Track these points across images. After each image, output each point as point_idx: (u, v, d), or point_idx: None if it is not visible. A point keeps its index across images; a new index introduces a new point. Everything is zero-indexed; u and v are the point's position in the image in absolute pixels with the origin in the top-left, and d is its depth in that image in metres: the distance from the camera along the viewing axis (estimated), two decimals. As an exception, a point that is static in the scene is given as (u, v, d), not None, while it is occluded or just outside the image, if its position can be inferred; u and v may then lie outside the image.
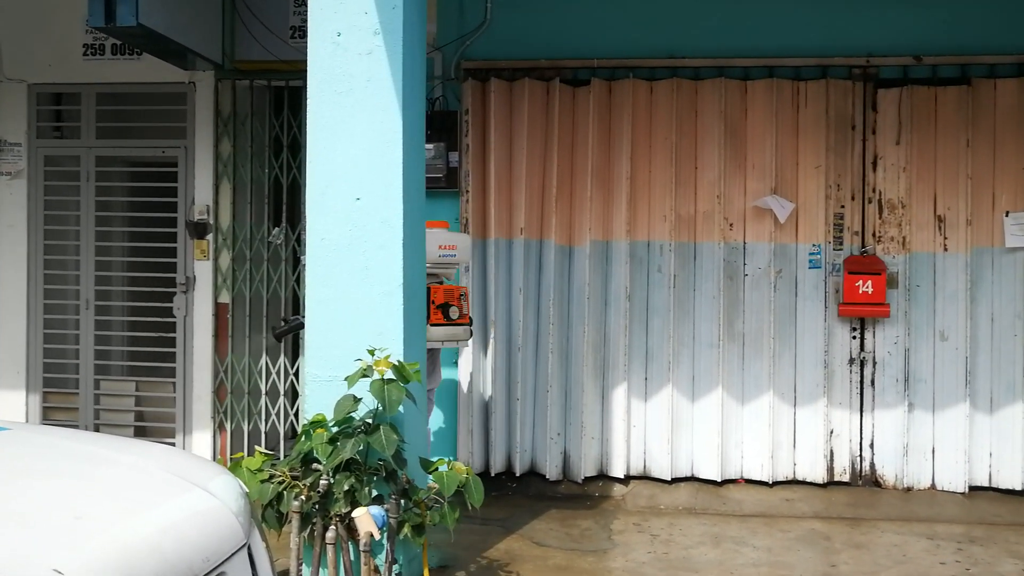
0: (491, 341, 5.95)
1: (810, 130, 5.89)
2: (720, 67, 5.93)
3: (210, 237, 6.13)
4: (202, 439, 6.16)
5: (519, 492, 5.91)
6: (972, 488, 5.81)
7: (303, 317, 4.33)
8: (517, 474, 5.97)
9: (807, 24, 5.91)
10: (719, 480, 5.90)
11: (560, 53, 5.99)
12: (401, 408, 3.84)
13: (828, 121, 5.88)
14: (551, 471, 5.95)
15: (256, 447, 4.18)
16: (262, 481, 3.83)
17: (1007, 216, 5.79)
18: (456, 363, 6.00)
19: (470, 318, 5.32)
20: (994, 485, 5.82)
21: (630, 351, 5.97)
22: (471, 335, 5.27)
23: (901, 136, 5.85)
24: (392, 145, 4.03)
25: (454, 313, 4.88)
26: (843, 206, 5.92)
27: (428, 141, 5.49)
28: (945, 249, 5.85)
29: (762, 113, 5.89)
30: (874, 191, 5.91)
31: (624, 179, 5.94)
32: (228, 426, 6.17)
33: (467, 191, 5.97)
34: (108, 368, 6.36)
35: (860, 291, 5.75)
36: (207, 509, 2.40)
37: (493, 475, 5.94)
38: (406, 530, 3.88)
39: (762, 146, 5.90)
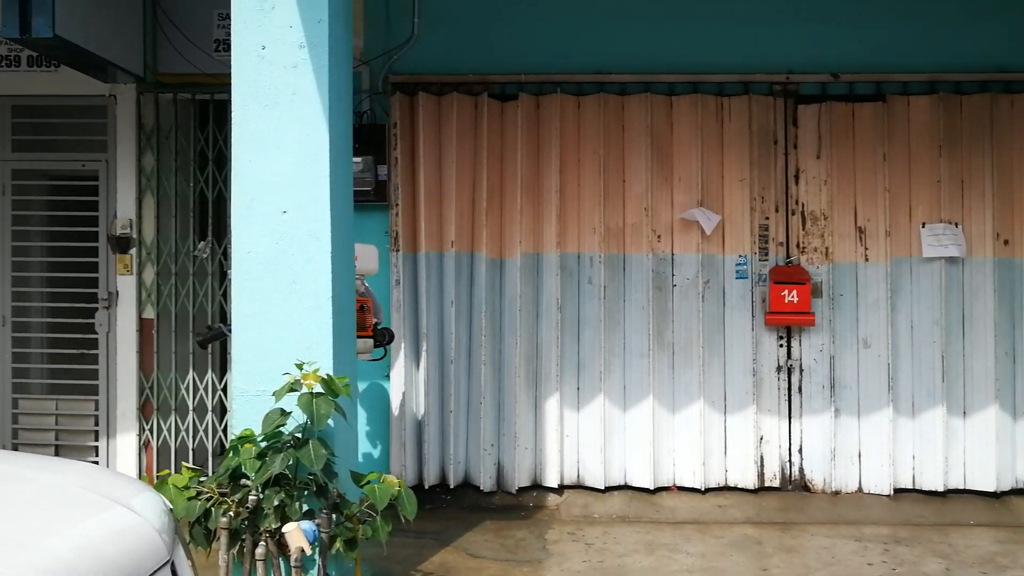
0: (423, 354, 5.93)
1: (734, 144, 6.01)
2: (646, 83, 6.02)
3: (133, 252, 6.02)
4: (127, 457, 6.03)
5: (453, 504, 5.90)
6: (897, 490, 5.96)
7: (228, 325, 4.28)
8: (451, 486, 5.96)
9: (729, 41, 6.04)
10: (652, 488, 5.96)
11: (488, 68, 6.03)
12: (331, 422, 3.82)
13: (751, 135, 6.01)
14: (485, 482, 5.95)
15: (183, 463, 4.12)
16: (189, 498, 3.76)
17: (923, 227, 5.98)
18: (388, 376, 5.97)
19: (385, 332, 5.30)
20: (918, 487, 5.97)
21: (562, 362, 6.01)
22: (383, 351, 5.30)
23: (821, 150, 6.01)
24: (319, 158, 4.01)
25: None
26: (768, 218, 6.05)
27: (356, 154, 5.44)
28: (866, 259, 6.01)
29: (687, 128, 6.00)
30: (797, 203, 6.05)
31: (553, 192, 5.99)
32: (154, 443, 6.05)
33: (396, 204, 5.96)
34: (27, 386, 6.19)
35: (786, 300, 5.88)
36: (128, 527, 2.35)
37: (427, 488, 5.92)
38: (338, 544, 3.85)
39: (688, 160, 6.01)
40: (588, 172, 6.02)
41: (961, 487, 5.95)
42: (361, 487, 4.01)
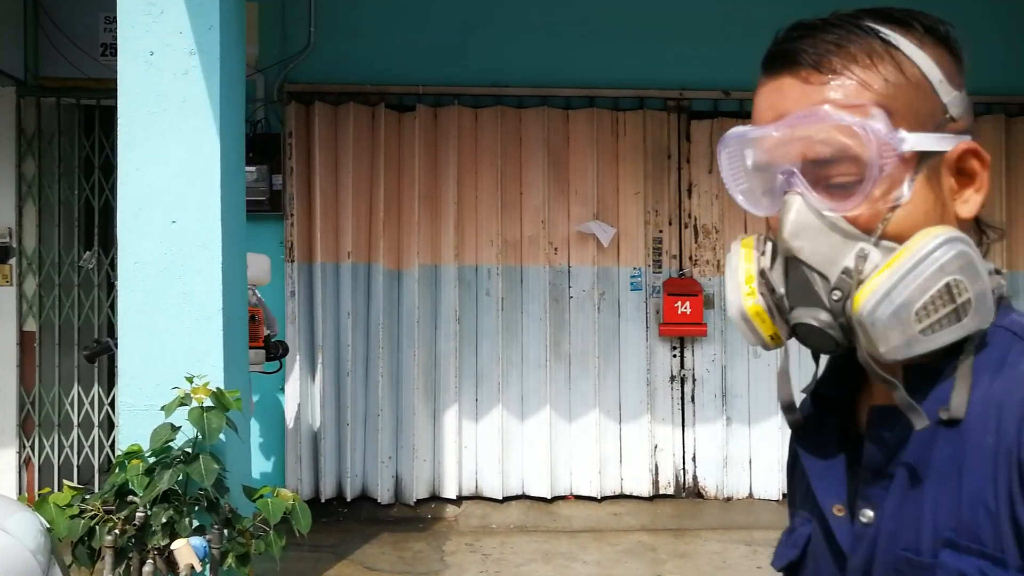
0: (319, 366, 5.86)
1: (629, 158, 6.12)
2: (543, 96, 6.09)
3: (13, 261, 5.78)
4: (6, 475, 5.77)
5: (350, 517, 5.83)
6: (785, 495, 6.13)
7: (115, 338, 4.16)
8: (348, 499, 5.89)
9: (625, 57, 6.15)
10: (550, 497, 6.01)
11: (385, 79, 6.01)
12: (222, 436, 3.74)
13: (646, 150, 6.14)
14: (383, 495, 5.90)
15: (65, 481, 3.97)
16: (72, 516, 3.63)
17: (808, 239, 6.18)
18: (283, 389, 5.87)
19: (280, 345, 5.23)
20: (804, 492, 6.16)
21: (460, 373, 6.01)
22: (278, 363, 5.22)
23: (713, 165, 6.17)
24: (209, 167, 3.93)
25: None
26: (661, 231, 6.18)
27: (250, 164, 5.39)
28: (755, 271, 6.17)
29: (584, 141, 6.09)
30: (690, 217, 6.20)
31: (451, 204, 6.00)
32: (36, 461, 5.81)
33: (292, 215, 5.88)
34: (-102, 404, 5.88)
35: (679, 312, 6.01)
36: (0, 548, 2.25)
37: (323, 501, 5.83)
38: (230, 560, 3.76)
39: (584, 173, 6.09)
40: (486, 184, 6.05)
41: (845, 490, 6.17)
42: (254, 501, 3.94)
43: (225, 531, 3.76)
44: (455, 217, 6.00)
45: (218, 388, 3.77)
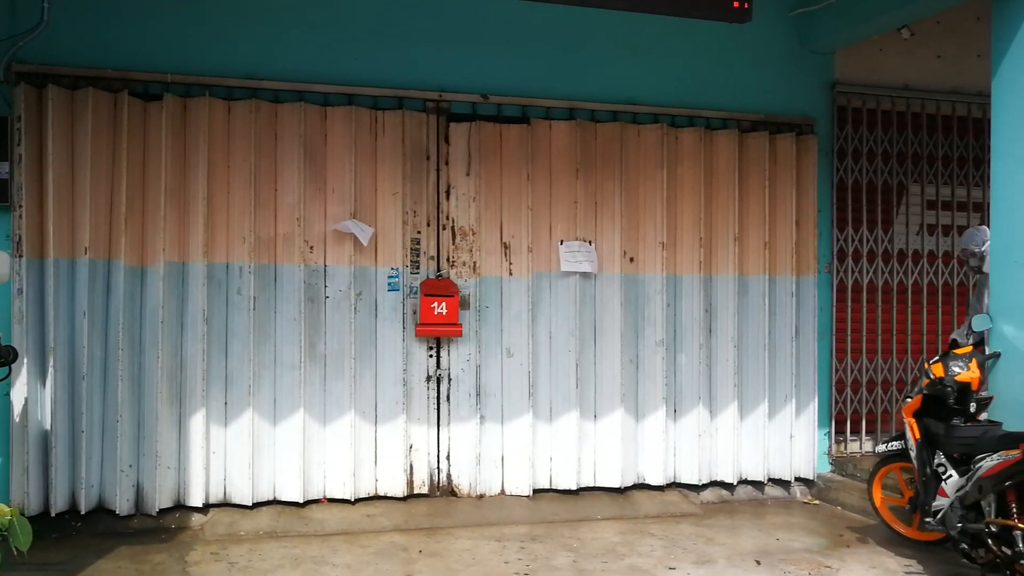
0: (50, 369, 5.45)
1: (388, 158, 6.11)
2: (300, 92, 5.97)
3: None
4: None
5: (85, 531, 5.49)
6: (536, 491, 6.36)
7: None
8: (83, 512, 5.52)
9: (384, 56, 6.13)
10: (302, 501, 5.92)
11: (130, 64, 5.68)
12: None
13: (405, 150, 6.14)
14: (122, 506, 5.58)
15: None
16: None
17: (561, 244, 6.42)
18: (8, 394, 5.41)
19: (9, 350, 4.80)
20: (554, 487, 6.41)
21: (208, 376, 5.79)
22: (7, 370, 4.79)
23: (471, 168, 6.27)
24: (-89, 155, 3.56)
25: None
26: (419, 232, 6.21)
27: (-30, 150, 4.95)
28: (511, 273, 6.35)
29: (342, 139, 6.01)
30: (448, 218, 6.26)
31: (201, 199, 5.75)
32: None
33: (20, 206, 5.40)
34: None
35: (435, 312, 6.07)
36: None
37: (54, 515, 5.45)
38: (-69, 588, 3.45)
39: (342, 171, 6.02)
40: (238, 179, 5.85)
41: (592, 485, 6.47)
42: (-37, 522, 3.62)
43: (-74, 556, 3.45)
44: (204, 213, 5.76)
45: (-82, 401, 3.44)
